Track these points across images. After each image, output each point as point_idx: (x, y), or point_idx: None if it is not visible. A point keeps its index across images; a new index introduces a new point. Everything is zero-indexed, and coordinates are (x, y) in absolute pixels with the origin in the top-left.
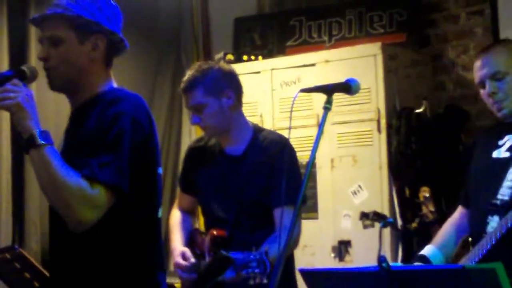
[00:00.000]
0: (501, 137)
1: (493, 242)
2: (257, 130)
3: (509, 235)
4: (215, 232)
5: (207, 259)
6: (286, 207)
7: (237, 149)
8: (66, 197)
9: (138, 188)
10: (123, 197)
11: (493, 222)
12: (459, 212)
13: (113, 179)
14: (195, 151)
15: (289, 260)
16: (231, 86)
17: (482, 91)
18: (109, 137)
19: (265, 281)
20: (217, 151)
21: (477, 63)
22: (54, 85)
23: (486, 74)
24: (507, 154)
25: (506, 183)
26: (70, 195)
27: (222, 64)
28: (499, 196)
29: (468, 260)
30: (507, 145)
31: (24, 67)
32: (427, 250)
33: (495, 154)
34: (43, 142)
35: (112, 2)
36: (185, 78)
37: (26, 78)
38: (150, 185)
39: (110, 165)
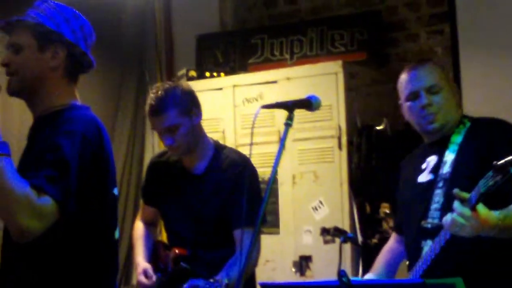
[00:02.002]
0: (424, 160)
1: (425, 267)
2: (219, 148)
3: (439, 258)
4: (177, 251)
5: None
6: (246, 228)
7: (199, 168)
8: (12, 205)
9: (89, 207)
10: (68, 214)
11: (427, 246)
12: (393, 238)
13: (58, 195)
14: (158, 165)
15: (250, 276)
16: (196, 104)
17: (408, 104)
18: (57, 154)
19: None
20: (179, 168)
21: (408, 76)
22: (11, 90)
23: (422, 86)
24: (430, 177)
25: (433, 206)
26: (15, 203)
27: (183, 83)
28: (429, 220)
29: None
30: (429, 167)
31: None
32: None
33: (420, 179)
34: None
35: (81, 16)
36: (153, 101)
37: None
38: (102, 205)
39: (57, 181)
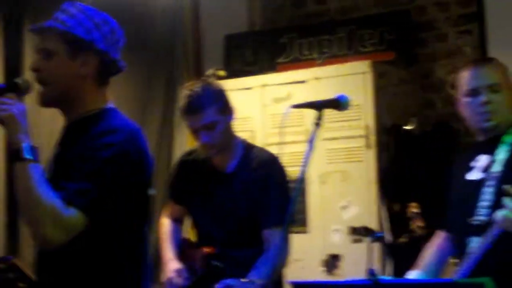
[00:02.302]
0: (474, 159)
1: (473, 264)
2: (248, 147)
3: (488, 254)
4: (206, 250)
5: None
6: (275, 228)
7: (229, 166)
8: (38, 214)
9: (123, 212)
10: (95, 226)
11: (473, 243)
12: (439, 235)
13: (87, 208)
14: (186, 164)
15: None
16: (230, 103)
17: (467, 100)
18: (92, 166)
19: None
20: (208, 166)
21: (470, 72)
22: (43, 102)
23: (483, 84)
24: (480, 175)
25: (481, 203)
26: (42, 212)
27: (214, 81)
28: (477, 217)
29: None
30: (480, 166)
31: (18, 80)
32: (413, 275)
33: (468, 177)
34: (28, 157)
35: (111, 19)
36: (190, 99)
37: (20, 91)
38: (137, 208)
39: (87, 194)
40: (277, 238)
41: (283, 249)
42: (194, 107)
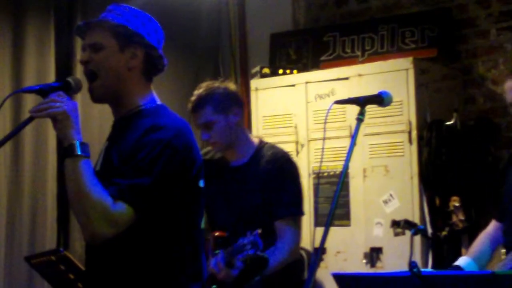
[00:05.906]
0: None
1: None
2: (261, 144)
3: None
4: (216, 233)
5: (210, 259)
6: (286, 220)
7: (241, 161)
8: (87, 209)
9: (177, 204)
10: (144, 220)
11: None
12: (493, 225)
13: (136, 203)
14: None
15: (298, 268)
16: (237, 104)
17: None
18: (142, 162)
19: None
20: (222, 164)
21: (509, 84)
22: (95, 96)
23: None
24: None
25: None
26: (91, 208)
27: (228, 84)
28: None
29: (499, 269)
30: None
31: (69, 79)
32: (462, 261)
33: None
34: (80, 153)
35: (154, 19)
36: (193, 98)
37: (71, 89)
38: (189, 200)
39: (138, 189)
40: (287, 230)
41: (292, 241)
42: (194, 106)
